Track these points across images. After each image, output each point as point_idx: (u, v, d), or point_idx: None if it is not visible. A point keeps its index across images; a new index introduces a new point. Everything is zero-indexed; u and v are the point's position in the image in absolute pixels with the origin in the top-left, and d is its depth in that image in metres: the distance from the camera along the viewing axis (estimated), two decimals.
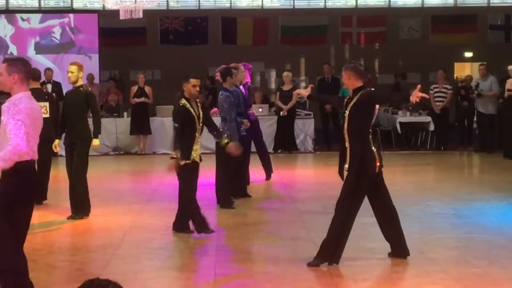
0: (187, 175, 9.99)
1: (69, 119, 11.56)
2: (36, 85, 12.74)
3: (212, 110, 13.63)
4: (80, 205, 11.34)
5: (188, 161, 9.92)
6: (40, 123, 6.70)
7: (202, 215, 10.10)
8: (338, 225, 8.39)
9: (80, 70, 11.47)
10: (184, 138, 9.94)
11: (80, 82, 11.49)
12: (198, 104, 10.07)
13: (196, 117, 9.95)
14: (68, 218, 11.28)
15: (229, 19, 25.04)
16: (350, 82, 8.43)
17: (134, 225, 10.86)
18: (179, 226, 10.21)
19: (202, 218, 10.07)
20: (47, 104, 12.51)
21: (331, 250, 8.37)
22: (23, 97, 6.56)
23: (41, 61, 22.20)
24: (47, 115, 12.24)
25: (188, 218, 10.15)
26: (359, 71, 8.46)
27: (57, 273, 8.35)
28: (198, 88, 10.07)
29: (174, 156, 9.98)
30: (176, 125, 10.09)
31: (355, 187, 8.36)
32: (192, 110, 9.94)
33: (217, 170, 12.37)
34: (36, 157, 6.63)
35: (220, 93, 12.55)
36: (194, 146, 9.96)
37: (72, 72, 11.40)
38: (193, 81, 9.97)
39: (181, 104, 10.00)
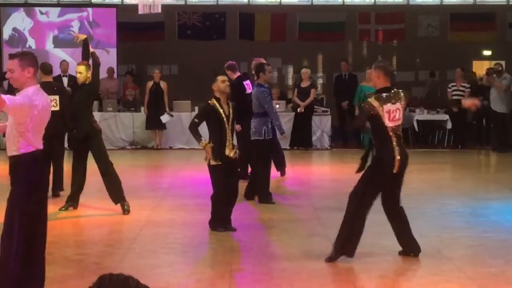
0: (218, 175, 9.96)
1: (77, 114, 11.58)
2: (48, 78, 12.85)
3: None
4: (120, 190, 11.41)
5: (218, 162, 9.88)
6: (47, 116, 6.73)
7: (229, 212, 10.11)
8: (348, 216, 8.49)
9: (89, 69, 11.50)
10: (215, 139, 9.91)
11: (88, 81, 11.55)
12: (230, 104, 10.05)
13: (225, 118, 9.93)
14: (125, 212, 11.29)
15: (247, 15, 25.02)
16: (379, 81, 8.53)
17: (151, 220, 10.88)
18: (213, 224, 10.17)
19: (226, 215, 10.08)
20: (57, 97, 12.56)
21: (343, 242, 8.44)
22: (34, 92, 6.62)
23: (59, 55, 22.28)
24: (57, 108, 12.30)
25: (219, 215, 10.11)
26: (389, 71, 8.63)
27: (74, 267, 8.38)
28: (227, 83, 10.05)
29: (204, 144, 9.88)
30: (196, 120, 10.07)
31: (369, 181, 8.46)
32: (221, 111, 9.92)
33: (253, 166, 12.50)
34: (40, 146, 6.65)
35: (255, 89, 12.53)
36: (226, 147, 9.91)
37: (81, 73, 11.48)
38: (220, 77, 10.01)
39: (209, 103, 10.00)
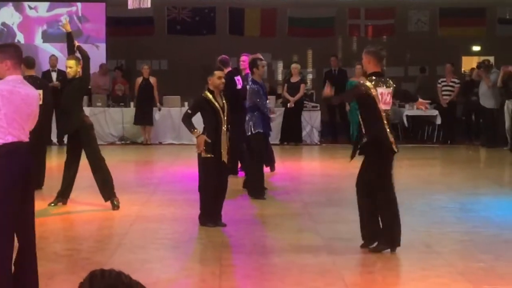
0: (207, 167, 9.93)
1: (67, 109, 11.51)
2: (31, 72, 12.88)
3: None
4: (111, 187, 11.39)
5: (211, 155, 9.85)
6: (28, 107, 6.49)
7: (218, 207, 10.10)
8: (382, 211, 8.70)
9: (79, 63, 11.38)
10: (209, 131, 9.88)
11: (78, 75, 11.43)
12: (222, 96, 10.06)
13: (220, 109, 9.92)
14: (114, 208, 11.24)
15: (237, 10, 25.00)
16: (369, 66, 8.66)
17: (140, 215, 10.86)
18: (202, 219, 10.12)
19: (216, 210, 10.07)
20: (40, 91, 12.53)
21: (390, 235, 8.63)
22: (7, 80, 6.45)
23: (48, 50, 22.21)
24: (40, 102, 12.28)
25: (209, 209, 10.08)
26: (380, 56, 8.71)
27: (64, 262, 8.36)
28: (223, 80, 10.06)
29: (197, 134, 9.85)
30: (189, 111, 10.05)
31: (375, 166, 8.72)
32: (216, 103, 9.91)
33: (248, 161, 12.51)
34: (25, 139, 6.44)
35: (250, 84, 12.52)
36: (222, 150, 9.89)
37: (71, 67, 11.36)
38: (217, 73, 9.99)
39: (202, 95, 10.00)
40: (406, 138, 21.03)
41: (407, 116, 20.84)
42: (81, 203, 11.81)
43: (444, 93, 20.79)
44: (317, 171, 16.63)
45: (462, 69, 25.49)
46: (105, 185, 11.33)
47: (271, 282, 7.58)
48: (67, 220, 10.78)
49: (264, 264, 8.24)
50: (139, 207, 11.43)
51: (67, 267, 8.14)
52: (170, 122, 20.45)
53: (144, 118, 20.15)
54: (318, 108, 20.84)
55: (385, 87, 8.60)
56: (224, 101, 9.99)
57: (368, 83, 8.55)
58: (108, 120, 20.45)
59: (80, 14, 23.02)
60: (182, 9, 25.01)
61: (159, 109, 20.23)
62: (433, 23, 25.59)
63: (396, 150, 8.70)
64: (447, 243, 9.32)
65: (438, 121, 20.74)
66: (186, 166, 15.64)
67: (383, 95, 8.55)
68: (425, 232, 9.86)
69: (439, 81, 21.14)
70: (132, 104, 20.62)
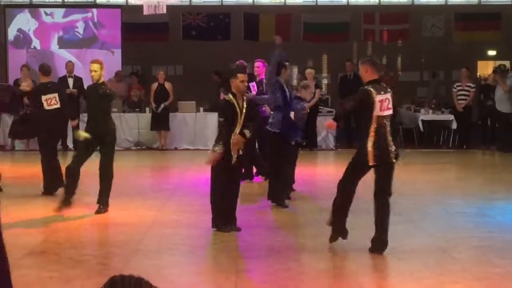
0: (218, 169, 9.93)
1: (92, 115, 11.59)
2: (47, 79, 13.12)
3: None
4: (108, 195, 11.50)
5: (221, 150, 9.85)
6: None
7: (232, 212, 10.09)
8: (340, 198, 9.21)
9: (102, 67, 11.48)
10: (226, 130, 9.92)
11: (102, 79, 11.52)
12: (245, 99, 10.09)
13: (239, 112, 9.96)
14: (97, 212, 11.31)
15: (252, 15, 25.01)
16: (367, 74, 8.86)
17: (156, 221, 10.88)
18: (216, 222, 10.11)
19: (229, 214, 10.06)
20: (56, 95, 12.73)
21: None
22: None
23: (64, 56, 22.29)
24: (57, 106, 12.60)
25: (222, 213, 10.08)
26: (376, 64, 8.95)
27: (80, 267, 8.38)
28: (246, 84, 10.11)
29: (215, 150, 9.86)
30: (224, 119, 10.09)
31: (349, 168, 9.14)
32: (236, 105, 9.94)
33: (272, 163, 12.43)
34: None
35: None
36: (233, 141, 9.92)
37: (95, 71, 11.40)
38: (240, 76, 10.02)
39: (227, 99, 10.05)
40: (421, 143, 20.96)
41: (422, 120, 20.78)
42: (96, 209, 11.83)
43: (459, 97, 20.73)
44: (332, 177, 16.53)
45: (478, 74, 25.42)
46: (106, 193, 11.45)
47: (286, 287, 7.57)
48: (83, 225, 10.79)
49: (280, 269, 8.23)
50: (155, 213, 11.44)
51: (83, 273, 8.15)
52: (185, 128, 20.49)
53: (160, 123, 20.19)
54: (333, 113, 20.78)
55: (383, 93, 8.76)
56: (244, 104, 10.01)
57: (372, 90, 8.71)
58: (123, 125, 20.49)
59: (95, 20, 23.10)
60: (197, 14, 25.06)
61: (164, 105, 20.17)
62: (448, 27, 25.52)
63: (372, 163, 8.81)
64: (464, 248, 9.29)
65: (454, 125, 20.67)
66: (202, 171, 15.60)
67: (382, 102, 8.71)
68: (442, 237, 9.83)
69: (455, 85, 21.09)
70: (147, 109, 20.67)
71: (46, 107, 12.79)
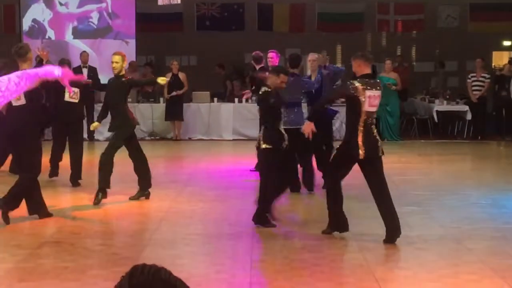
0: (269, 159, 9.90)
1: (112, 107, 11.65)
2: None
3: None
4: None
5: (270, 146, 9.84)
6: None
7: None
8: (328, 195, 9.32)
9: (124, 59, 11.51)
10: (270, 123, 9.93)
11: (123, 72, 11.56)
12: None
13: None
14: (94, 201, 11.29)
15: (266, 5, 24.96)
16: (360, 69, 8.99)
17: (171, 211, 10.90)
18: (259, 218, 9.93)
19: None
20: (77, 89, 12.79)
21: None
22: None
23: (78, 46, 22.32)
24: (76, 100, 12.72)
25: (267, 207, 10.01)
26: (368, 59, 9.07)
27: (95, 257, 8.41)
28: (284, 85, 10.05)
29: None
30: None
31: (335, 161, 9.24)
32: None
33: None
34: None
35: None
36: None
37: (117, 62, 11.41)
38: (283, 77, 9.98)
39: (265, 90, 10.00)
40: (436, 134, 20.91)
41: (437, 111, 20.72)
42: (111, 199, 11.86)
43: (474, 88, 20.65)
44: None
45: (493, 64, 25.31)
46: (146, 177, 11.69)
47: (301, 278, 7.58)
48: (98, 215, 10.82)
49: (294, 260, 8.24)
50: (169, 203, 11.46)
51: (99, 262, 8.18)
52: (199, 118, 20.50)
53: (174, 113, 20.20)
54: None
55: (374, 90, 8.89)
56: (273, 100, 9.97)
57: (358, 84, 8.83)
58: (138, 116, 20.43)
59: (110, 10, 23.10)
60: (211, 5, 25.03)
61: (177, 93, 20.15)
62: (463, 18, 25.40)
63: (362, 156, 8.83)
64: (479, 239, 9.27)
65: (468, 116, 20.59)
66: (216, 161, 15.69)
67: (371, 98, 8.83)
68: (456, 228, 9.81)
69: (469, 76, 21.00)
70: (161, 100, 20.68)
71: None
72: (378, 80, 9.18)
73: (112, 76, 11.72)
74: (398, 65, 22.50)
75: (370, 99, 8.80)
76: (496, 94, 21.19)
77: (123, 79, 11.52)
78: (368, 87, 8.84)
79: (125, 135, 11.64)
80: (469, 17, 25.23)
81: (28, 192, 9.99)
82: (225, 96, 21.38)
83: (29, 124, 9.81)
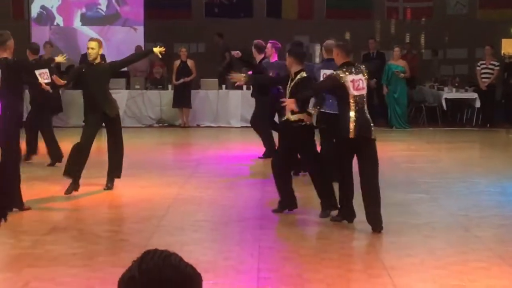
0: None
1: (94, 94, 11.21)
2: (35, 57, 13.74)
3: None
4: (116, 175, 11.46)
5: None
6: None
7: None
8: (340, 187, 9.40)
9: (100, 46, 11.29)
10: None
11: (98, 59, 11.32)
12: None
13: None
14: (105, 188, 11.30)
15: None
16: (338, 58, 9.31)
17: (178, 197, 10.90)
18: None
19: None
20: (46, 70, 12.76)
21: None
22: None
23: (87, 33, 22.29)
24: (48, 80, 12.51)
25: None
26: (345, 48, 9.34)
27: (103, 243, 8.43)
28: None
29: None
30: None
31: (336, 151, 9.55)
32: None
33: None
34: None
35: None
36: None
37: (92, 49, 11.15)
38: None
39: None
40: (445, 122, 20.85)
41: (446, 99, 20.65)
42: (119, 186, 11.87)
43: (483, 76, 20.56)
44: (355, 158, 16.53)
45: (502, 52, 25.20)
46: (118, 167, 11.41)
47: (309, 264, 7.58)
48: (105, 201, 10.83)
49: (302, 247, 8.24)
50: (177, 190, 11.46)
51: (107, 249, 8.20)
52: (208, 105, 20.47)
53: (182, 100, 20.17)
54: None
55: (355, 74, 9.09)
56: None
57: (339, 72, 9.09)
58: (146, 102, 20.52)
59: None
60: None
61: (184, 80, 20.10)
62: (472, 5, 25.30)
63: (353, 136, 8.93)
64: (487, 226, 9.25)
65: (477, 104, 20.51)
66: (224, 148, 15.69)
67: (355, 81, 9.04)
68: (464, 215, 9.79)
69: (478, 63, 20.92)
70: (169, 86, 20.67)
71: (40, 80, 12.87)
72: (361, 66, 9.36)
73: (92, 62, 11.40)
74: (407, 53, 22.43)
75: (354, 83, 9.02)
76: (505, 82, 21.11)
77: (102, 63, 11.40)
78: (348, 73, 9.06)
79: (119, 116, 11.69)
80: (479, 4, 25.13)
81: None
82: (223, 70, 21.03)
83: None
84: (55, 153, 13.45)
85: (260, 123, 14.27)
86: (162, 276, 2.50)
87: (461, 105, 21.42)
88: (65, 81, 11.33)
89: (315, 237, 8.66)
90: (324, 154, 11.30)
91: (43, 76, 12.84)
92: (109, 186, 11.37)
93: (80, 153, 11.05)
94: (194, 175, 12.89)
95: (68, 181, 10.90)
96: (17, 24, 23.07)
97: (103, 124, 11.46)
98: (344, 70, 9.09)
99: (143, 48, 22.09)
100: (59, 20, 22.90)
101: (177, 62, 20.46)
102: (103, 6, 22.88)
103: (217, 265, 7.59)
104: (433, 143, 17.80)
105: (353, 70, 9.12)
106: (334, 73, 9.23)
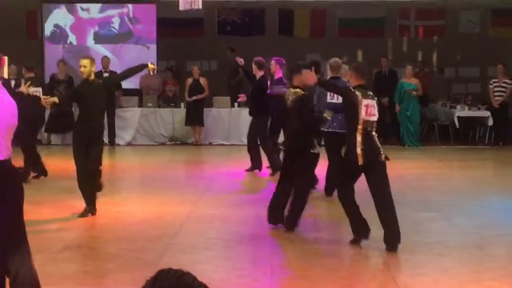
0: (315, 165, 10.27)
1: (88, 112, 10.93)
2: (31, 74, 13.96)
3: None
4: (95, 197, 11.04)
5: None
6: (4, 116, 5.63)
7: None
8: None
9: (93, 64, 11.13)
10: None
11: (92, 76, 11.06)
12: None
13: None
14: (83, 215, 10.80)
15: (287, 11, 24.96)
16: (352, 80, 9.29)
17: (191, 215, 10.91)
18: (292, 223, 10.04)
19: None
20: (40, 89, 12.96)
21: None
22: None
23: (100, 51, 22.39)
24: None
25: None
26: (360, 71, 9.28)
27: (115, 261, 8.43)
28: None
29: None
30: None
31: (341, 174, 9.48)
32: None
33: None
34: (9, 155, 5.68)
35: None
36: None
37: (85, 67, 10.97)
38: (305, 71, 10.11)
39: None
40: (457, 140, 20.82)
41: (458, 117, 20.63)
42: (131, 203, 11.91)
43: (496, 94, 20.55)
44: None
45: None
46: (93, 194, 11.02)
47: (322, 282, 7.57)
48: (118, 219, 10.84)
49: (315, 265, 8.23)
50: (189, 207, 11.47)
51: (119, 266, 8.20)
52: (220, 123, 20.51)
53: (194, 118, 20.22)
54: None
55: (370, 99, 9.04)
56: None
57: (358, 93, 9.01)
58: (158, 120, 20.58)
59: (131, 16, 23.18)
60: (232, 10, 25.07)
61: (197, 97, 20.13)
62: (484, 23, 25.29)
63: (362, 162, 8.89)
64: (500, 245, 9.22)
65: (490, 122, 20.50)
66: (237, 166, 15.68)
67: (369, 107, 8.97)
68: (477, 234, 9.76)
69: (491, 82, 20.91)
70: (182, 104, 20.72)
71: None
72: (370, 92, 9.29)
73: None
74: (419, 71, 22.44)
75: (368, 108, 8.95)
76: None
77: (95, 80, 11.15)
78: (366, 96, 9.02)
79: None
80: (491, 22, 25.12)
81: None
82: (236, 85, 21.04)
83: None
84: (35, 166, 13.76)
85: (259, 139, 14.54)
86: None
87: (473, 123, 21.40)
88: (54, 101, 11.09)
89: (327, 255, 8.63)
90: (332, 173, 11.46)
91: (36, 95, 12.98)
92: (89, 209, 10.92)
93: (86, 184, 10.84)
94: (207, 193, 12.90)
95: (80, 202, 10.90)
96: (31, 43, 23.24)
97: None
98: (360, 90, 9.03)
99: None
100: (72, 38, 23.02)
101: (190, 80, 20.52)
102: (116, 25, 22.98)
103: (230, 283, 7.58)
104: (446, 161, 17.76)
105: (369, 94, 9.08)
106: (353, 90, 9.12)
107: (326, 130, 11.61)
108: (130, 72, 12.62)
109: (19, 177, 5.90)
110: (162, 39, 23.47)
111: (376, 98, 9.21)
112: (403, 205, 11.14)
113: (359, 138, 8.91)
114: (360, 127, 8.92)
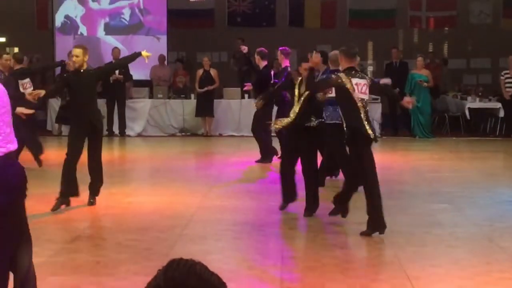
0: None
1: (82, 103, 10.69)
2: (21, 66, 14.08)
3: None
4: (99, 187, 10.98)
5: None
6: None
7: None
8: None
9: (86, 53, 10.81)
10: None
11: (85, 66, 10.86)
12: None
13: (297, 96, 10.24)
14: (89, 203, 10.83)
15: (297, 1, 24.93)
16: (342, 63, 9.48)
17: (201, 206, 10.91)
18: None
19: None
20: (28, 80, 13.08)
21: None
22: None
23: (110, 42, 22.43)
24: (31, 89, 12.74)
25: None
26: (349, 54, 9.44)
27: (126, 252, 8.43)
28: (306, 72, 10.33)
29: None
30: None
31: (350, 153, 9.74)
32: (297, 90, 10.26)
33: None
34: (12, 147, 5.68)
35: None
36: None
37: (77, 56, 10.66)
38: (304, 64, 10.39)
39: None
40: (468, 131, 20.77)
41: (469, 108, 20.57)
42: (142, 194, 11.93)
43: (507, 85, 20.46)
44: (377, 164, 16.35)
45: None
46: (97, 183, 10.97)
47: (332, 274, 7.56)
48: (129, 210, 10.85)
49: (325, 256, 8.22)
50: (200, 198, 11.48)
51: (130, 257, 8.21)
52: (230, 114, 20.51)
53: (205, 109, 20.22)
54: (379, 100, 20.63)
55: (359, 78, 9.22)
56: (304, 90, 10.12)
57: (342, 75, 9.21)
58: (169, 111, 20.59)
59: (141, 7, 23.19)
60: (243, 1, 25.04)
61: (208, 89, 20.12)
62: (496, 14, 25.20)
63: (372, 136, 9.16)
64: (511, 237, 9.19)
65: (501, 113, 20.42)
66: (247, 157, 15.68)
67: (359, 85, 9.16)
68: (488, 226, 9.73)
69: (502, 73, 20.82)
70: (192, 96, 20.72)
71: (22, 90, 12.96)
72: (361, 72, 9.58)
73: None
74: (430, 62, 22.37)
75: (358, 86, 9.12)
76: None
77: (89, 71, 11.04)
78: (351, 77, 9.17)
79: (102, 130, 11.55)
80: (503, 13, 25.02)
81: None
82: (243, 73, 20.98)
83: None
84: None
85: (261, 129, 14.59)
86: (187, 285, 2.50)
87: (484, 115, 21.32)
88: (39, 94, 10.76)
89: (338, 247, 8.63)
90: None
91: (25, 86, 12.98)
92: (91, 201, 10.86)
93: (69, 171, 10.65)
94: (217, 184, 12.90)
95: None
96: (42, 34, 23.30)
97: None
98: (346, 73, 9.18)
99: (166, 58, 22.20)
100: (83, 29, 23.04)
101: (200, 71, 20.52)
102: (126, 16, 23.00)
103: (240, 274, 7.58)
104: (456, 153, 17.72)
105: (357, 75, 9.25)
106: (335, 74, 9.42)
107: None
108: (123, 61, 12.59)
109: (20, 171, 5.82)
110: (172, 30, 23.47)
111: (366, 77, 9.44)
112: (414, 196, 11.15)
113: (363, 115, 9.07)
114: (360, 104, 9.08)
